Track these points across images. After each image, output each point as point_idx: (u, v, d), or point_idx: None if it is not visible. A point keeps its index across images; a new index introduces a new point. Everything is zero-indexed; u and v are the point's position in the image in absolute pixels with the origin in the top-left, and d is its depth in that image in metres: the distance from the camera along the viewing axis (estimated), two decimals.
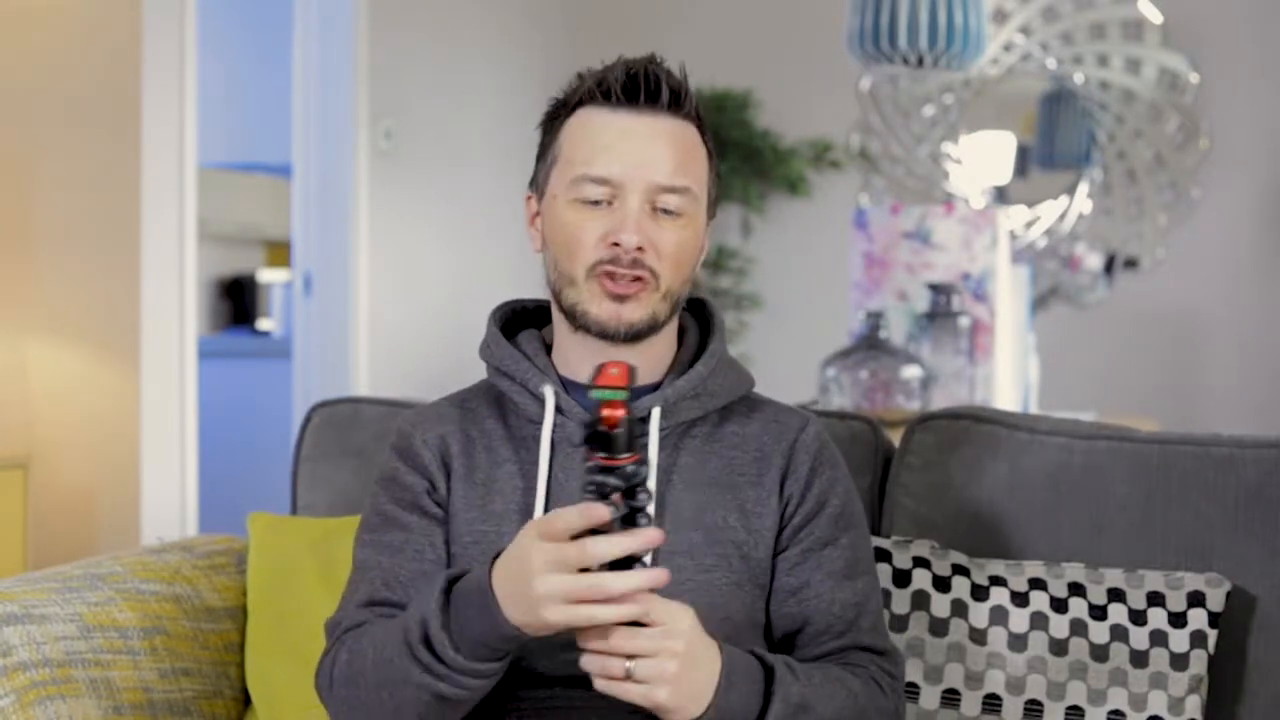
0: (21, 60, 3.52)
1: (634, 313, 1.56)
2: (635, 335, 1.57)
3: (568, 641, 1.42)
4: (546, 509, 1.55)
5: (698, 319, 1.70)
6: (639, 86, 1.56)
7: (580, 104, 1.59)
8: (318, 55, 4.66)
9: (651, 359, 1.61)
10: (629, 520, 1.35)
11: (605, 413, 1.34)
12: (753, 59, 5.44)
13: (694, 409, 1.61)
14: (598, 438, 1.35)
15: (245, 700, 1.99)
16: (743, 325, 5.41)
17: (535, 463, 1.59)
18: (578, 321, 1.58)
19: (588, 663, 1.37)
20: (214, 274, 6.26)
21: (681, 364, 1.64)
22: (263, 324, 6.32)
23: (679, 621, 1.38)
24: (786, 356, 4.95)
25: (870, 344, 3.41)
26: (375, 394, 3.86)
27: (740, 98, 5.33)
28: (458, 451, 1.62)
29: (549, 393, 1.59)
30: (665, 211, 1.56)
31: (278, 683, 1.92)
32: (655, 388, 1.61)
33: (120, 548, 3.19)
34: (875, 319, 3.42)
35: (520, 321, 1.72)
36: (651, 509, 1.36)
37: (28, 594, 1.79)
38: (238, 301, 6.38)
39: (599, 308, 1.56)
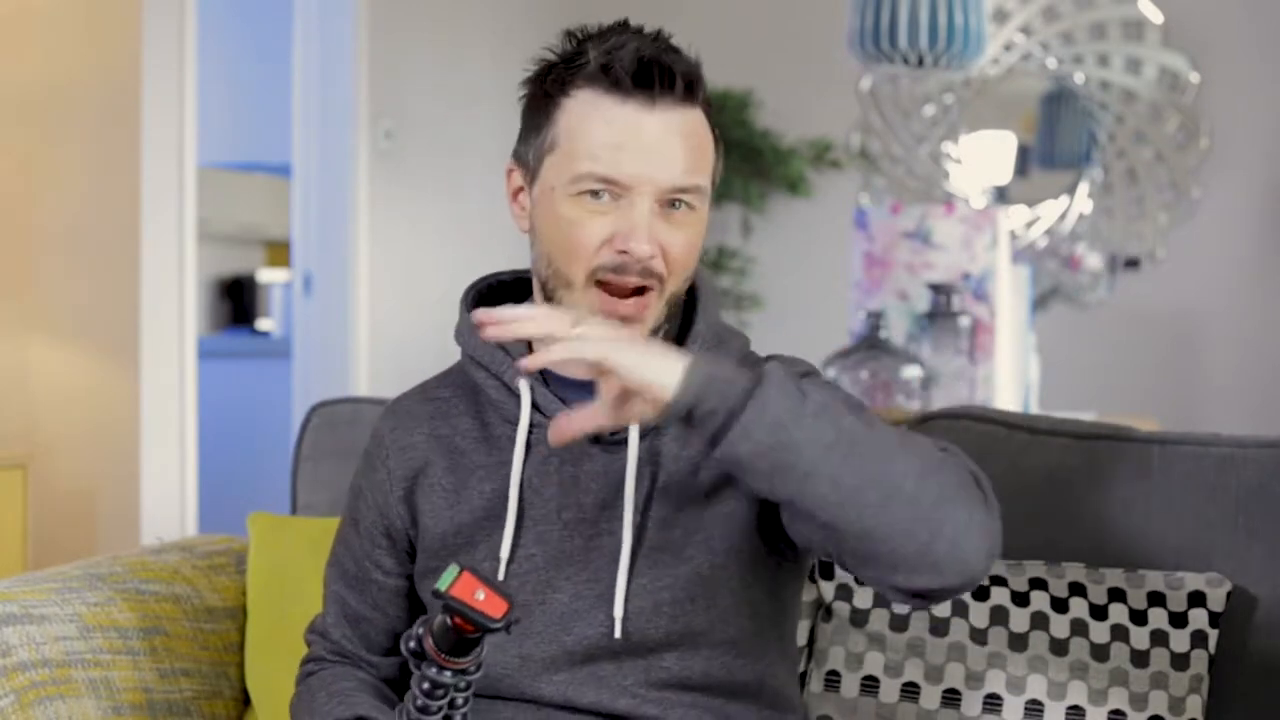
0: (21, 60, 3.51)
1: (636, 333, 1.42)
2: None
3: (549, 660, 1.43)
4: (519, 517, 1.48)
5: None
6: (651, 76, 1.41)
7: (580, 83, 1.44)
8: (318, 55, 4.66)
9: None
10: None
11: (461, 623, 1.25)
12: (753, 59, 5.44)
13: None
14: (451, 637, 1.25)
15: (245, 700, 1.99)
16: (743, 325, 5.41)
17: (508, 463, 1.49)
18: None
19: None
20: (214, 274, 6.26)
21: None
22: (262, 324, 6.32)
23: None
24: None
25: (870, 344, 3.41)
26: (375, 394, 3.86)
27: (740, 98, 5.33)
28: (425, 464, 1.53)
29: (524, 389, 1.47)
30: (674, 206, 1.42)
31: (278, 683, 1.92)
32: None
33: (120, 548, 3.19)
34: (875, 319, 3.41)
35: (497, 297, 1.58)
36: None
37: (27, 594, 1.79)
38: (237, 301, 6.37)
39: None
